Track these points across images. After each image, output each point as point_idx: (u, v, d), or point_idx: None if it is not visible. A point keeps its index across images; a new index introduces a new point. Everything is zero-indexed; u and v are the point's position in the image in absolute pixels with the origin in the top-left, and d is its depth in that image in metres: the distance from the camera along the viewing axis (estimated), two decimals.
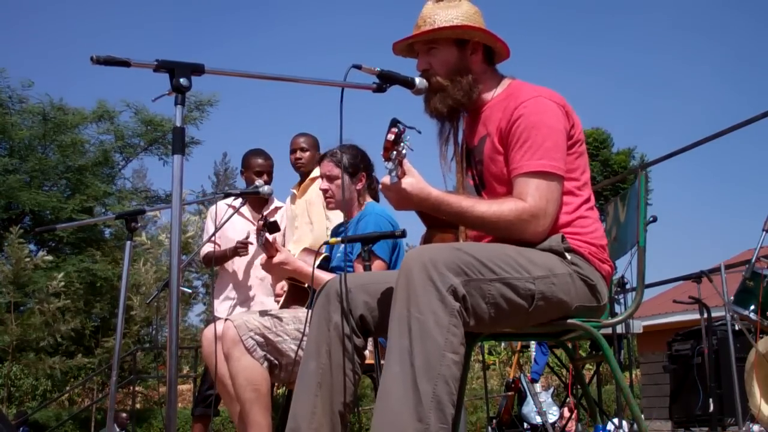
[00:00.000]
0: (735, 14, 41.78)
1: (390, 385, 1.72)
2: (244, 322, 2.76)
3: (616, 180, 16.84)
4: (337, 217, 3.63)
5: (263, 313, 2.83)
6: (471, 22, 2.13)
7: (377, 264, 2.87)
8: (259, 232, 2.83)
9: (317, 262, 2.96)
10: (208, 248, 4.36)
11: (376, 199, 3.22)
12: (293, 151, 4.28)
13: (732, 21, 41.99)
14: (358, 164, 3.09)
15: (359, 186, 3.08)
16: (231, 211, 4.11)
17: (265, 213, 4.38)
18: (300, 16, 53.21)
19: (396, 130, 1.84)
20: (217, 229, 4.19)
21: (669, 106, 44.48)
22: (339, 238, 2.95)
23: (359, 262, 2.85)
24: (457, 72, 2.13)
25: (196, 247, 9.03)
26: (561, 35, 48.15)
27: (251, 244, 4.08)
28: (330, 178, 3.10)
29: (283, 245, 4.19)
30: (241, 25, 52.88)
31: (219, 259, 4.30)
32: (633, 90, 47.27)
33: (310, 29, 53.49)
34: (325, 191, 3.13)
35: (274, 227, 2.80)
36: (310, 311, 2.12)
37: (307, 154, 4.23)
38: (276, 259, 2.82)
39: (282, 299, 3.12)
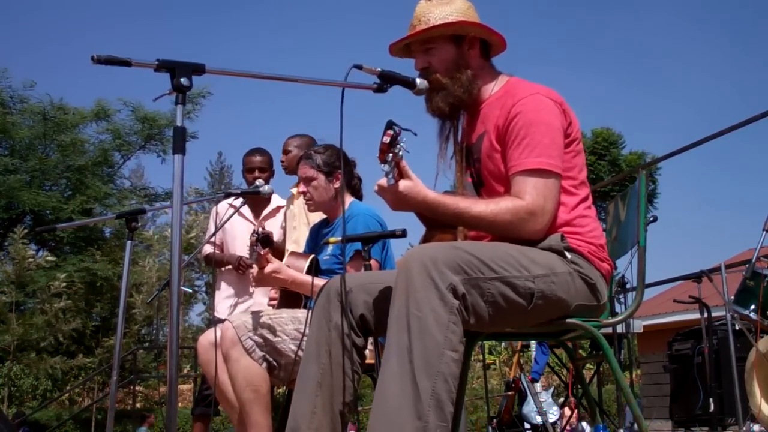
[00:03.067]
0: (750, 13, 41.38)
1: (388, 382, 1.71)
2: (243, 323, 2.75)
3: (620, 178, 16.74)
4: None
5: (262, 314, 2.82)
6: (465, 18, 2.13)
7: (372, 264, 2.86)
8: (253, 247, 2.82)
9: (307, 266, 2.95)
10: (208, 248, 4.38)
11: (359, 197, 3.20)
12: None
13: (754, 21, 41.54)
14: (333, 163, 3.03)
15: (336, 185, 3.04)
16: (232, 211, 4.12)
17: (265, 213, 4.40)
18: (300, 15, 53.24)
19: (392, 132, 1.84)
20: (217, 229, 4.19)
21: (688, 113, 44.19)
22: (339, 238, 2.94)
23: (356, 263, 2.84)
24: (456, 69, 2.13)
25: (198, 246, 9.03)
26: (577, 34, 47.75)
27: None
28: (306, 181, 3.08)
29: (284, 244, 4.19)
30: (241, 25, 52.88)
31: (218, 263, 4.33)
32: (655, 95, 46.67)
33: (311, 29, 53.55)
34: (303, 194, 3.11)
35: (267, 242, 2.78)
36: (310, 311, 2.12)
37: (290, 155, 4.08)
38: (267, 269, 2.80)
39: (275, 303, 3.11)
